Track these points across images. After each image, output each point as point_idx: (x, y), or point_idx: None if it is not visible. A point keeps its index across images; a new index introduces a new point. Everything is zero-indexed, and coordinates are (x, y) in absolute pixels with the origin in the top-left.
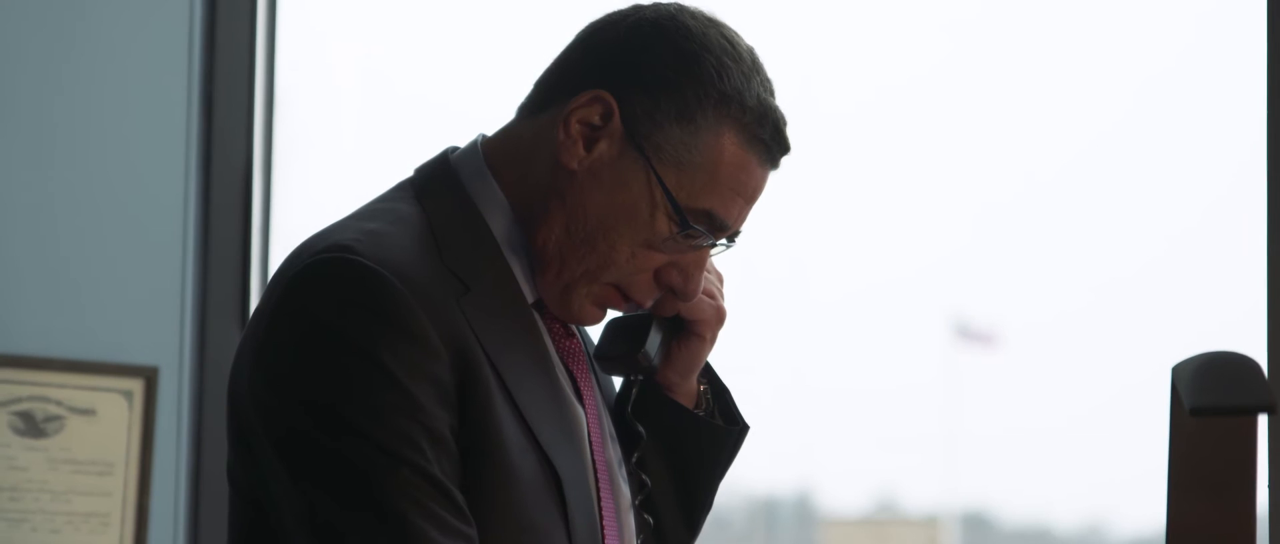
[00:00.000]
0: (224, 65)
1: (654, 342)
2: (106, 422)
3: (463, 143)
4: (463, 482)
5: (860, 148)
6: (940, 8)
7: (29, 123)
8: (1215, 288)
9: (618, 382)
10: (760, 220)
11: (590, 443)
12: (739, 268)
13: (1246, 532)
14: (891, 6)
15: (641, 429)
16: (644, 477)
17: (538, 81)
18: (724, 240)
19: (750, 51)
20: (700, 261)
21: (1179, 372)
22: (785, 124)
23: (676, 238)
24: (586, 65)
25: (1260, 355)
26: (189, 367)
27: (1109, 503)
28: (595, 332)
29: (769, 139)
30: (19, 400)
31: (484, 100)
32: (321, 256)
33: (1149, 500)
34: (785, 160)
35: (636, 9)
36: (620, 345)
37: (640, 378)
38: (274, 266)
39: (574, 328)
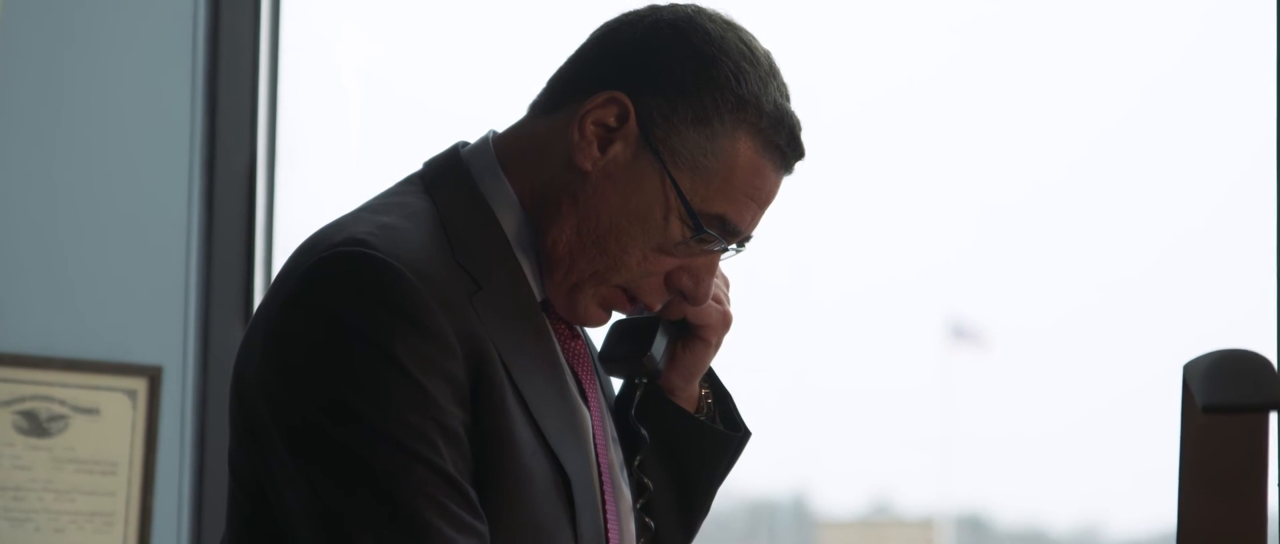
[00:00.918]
0: (228, 64)
1: (660, 345)
2: (110, 421)
3: (472, 138)
4: (474, 479)
5: (856, 150)
6: (941, 10)
7: (33, 122)
8: (1210, 291)
9: (617, 384)
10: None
11: (595, 445)
12: (734, 270)
13: (1258, 530)
14: (893, 9)
15: (644, 433)
16: (645, 480)
17: (551, 80)
18: (734, 245)
19: (767, 55)
20: (710, 266)
21: (1191, 369)
22: (800, 129)
23: (689, 242)
24: (602, 66)
25: (1270, 353)
26: (193, 366)
27: (1104, 505)
28: (598, 333)
29: (785, 144)
30: (23, 400)
31: (486, 101)
32: (338, 250)
33: (1144, 502)
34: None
35: (654, 9)
36: (626, 347)
37: (644, 381)
38: (277, 266)
39: (578, 329)
